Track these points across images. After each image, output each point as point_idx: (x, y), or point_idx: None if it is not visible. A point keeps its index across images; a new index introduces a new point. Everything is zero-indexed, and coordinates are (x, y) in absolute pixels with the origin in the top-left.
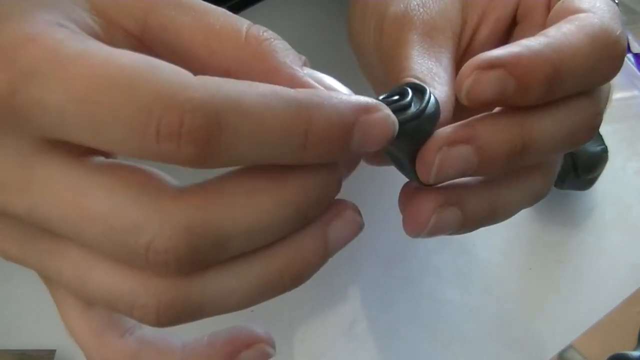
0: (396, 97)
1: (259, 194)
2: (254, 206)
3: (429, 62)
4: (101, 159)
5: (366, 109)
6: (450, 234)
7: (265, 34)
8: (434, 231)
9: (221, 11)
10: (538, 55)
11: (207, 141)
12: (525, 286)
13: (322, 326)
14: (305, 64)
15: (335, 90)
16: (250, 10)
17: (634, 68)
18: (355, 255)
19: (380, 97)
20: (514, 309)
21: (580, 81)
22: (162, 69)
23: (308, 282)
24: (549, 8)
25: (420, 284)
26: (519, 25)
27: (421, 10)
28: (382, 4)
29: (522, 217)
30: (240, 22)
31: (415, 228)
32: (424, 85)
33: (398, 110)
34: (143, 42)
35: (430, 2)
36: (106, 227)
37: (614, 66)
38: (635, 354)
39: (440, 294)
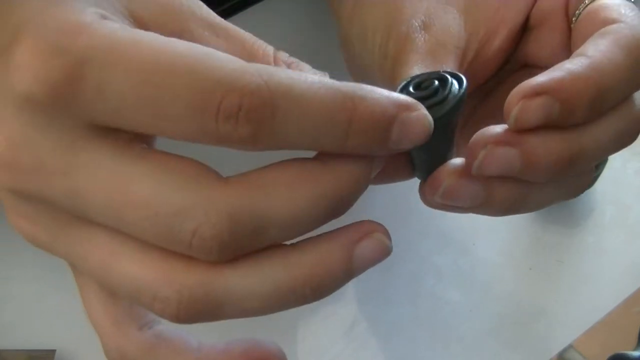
0: (423, 90)
1: (298, 186)
2: (293, 197)
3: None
4: (146, 147)
5: (407, 107)
6: (471, 209)
7: (289, 58)
8: (450, 196)
9: (251, 36)
10: (581, 79)
11: (262, 122)
12: (525, 286)
13: (322, 326)
14: None
15: None
16: (250, 10)
17: None
18: None
19: (403, 84)
20: (514, 309)
21: (621, 94)
22: (219, 56)
23: None
24: (566, 12)
25: (420, 284)
26: (534, 30)
27: (422, 29)
28: (383, 25)
29: (522, 217)
30: (268, 46)
31: (432, 190)
32: (446, 74)
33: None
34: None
35: (432, 19)
36: (151, 213)
37: None
38: (635, 354)
39: (440, 294)
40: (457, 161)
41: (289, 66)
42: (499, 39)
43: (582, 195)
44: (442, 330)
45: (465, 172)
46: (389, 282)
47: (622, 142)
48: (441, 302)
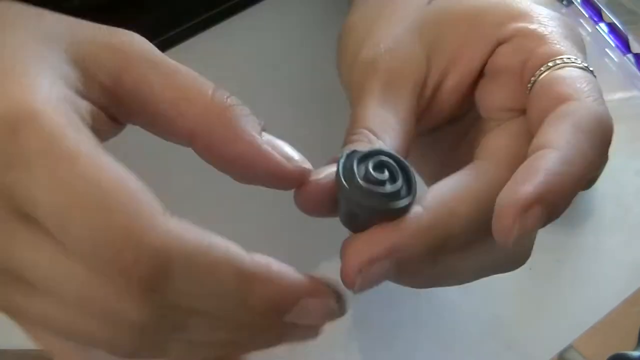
0: (377, 171)
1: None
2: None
3: (385, 113)
4: None
5: (311, 291)
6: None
7: (229, 100)
8: (369, 281)
9: (191, 73)
10: (564, 178)
11: (150, 283)
12: (525, 286)
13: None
14: (264, 129)
15: (289, 157)
16: (250, 10)
17: (634, 68)
18: None
19: (345, 156)
20: (514, 309)
21: (589, 175)
22: (139, 200)
23: None
24: (521, 74)
25: None
26: (486, 79)
27: (387, 58)
28: (355, 46)
29: None
30: (207, 86)
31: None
32: (392, 159)
33: (378, 183)
34: (116, 96)
35: (398, 49)
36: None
37: (607, 149)
38: (635, 354)
39: (440, 294)
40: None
41: (226, 108)
42: (454, 79)
43: (582, 195)
44: (442, 331)
45: (375, 257)
46: (389, 283)
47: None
48: (441, 302)
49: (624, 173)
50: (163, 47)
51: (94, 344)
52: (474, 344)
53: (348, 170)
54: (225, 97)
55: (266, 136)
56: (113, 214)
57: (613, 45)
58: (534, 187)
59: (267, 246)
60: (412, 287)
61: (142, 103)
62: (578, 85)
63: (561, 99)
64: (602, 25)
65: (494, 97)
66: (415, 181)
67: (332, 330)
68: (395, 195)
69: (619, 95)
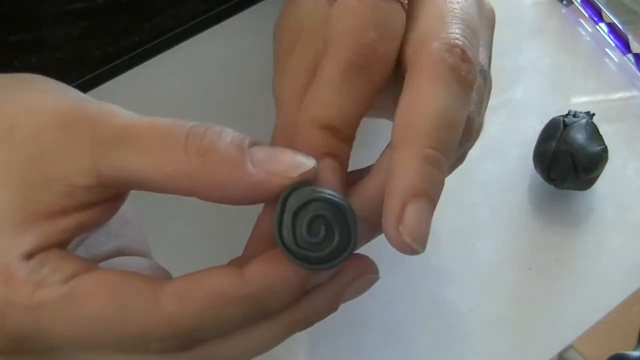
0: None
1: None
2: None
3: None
4: None
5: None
6: None
7: (202, 141)
8: None
9: (159, 131)
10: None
11: (180, 347)
12: (525, 286)
13: (322, 326)
14: (253, 144)
15: (286, 162)
16: (250, 10)
17: (634, 68)
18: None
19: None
20: (514, 309)
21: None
22: (130, 310)
23: None
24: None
25: (420, 284)
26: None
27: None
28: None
29: (522, 217)
30: (178, 135)
31: None
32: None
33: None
34: (104, 187)
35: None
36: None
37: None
38: (635, 354)
39: (440, 294)
40: None
41: (203, 155)
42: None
43: (582, 195)
44: (442, 330)
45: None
46: (389, 282)
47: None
48: (441, 302)
49: (624, 173)
50: (163, 47)
51: None
52: (474, 344)
53: (285, 227)
54: (198, 139)
55: (256, 150)
56: (118, 334)
57: (613, 45)
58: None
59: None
60: None
61: (130, 181)
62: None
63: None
64: (602, 25)
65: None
66: (354, 232)
67: (331, 329)
68: (329, 258)
69: (619, 95)
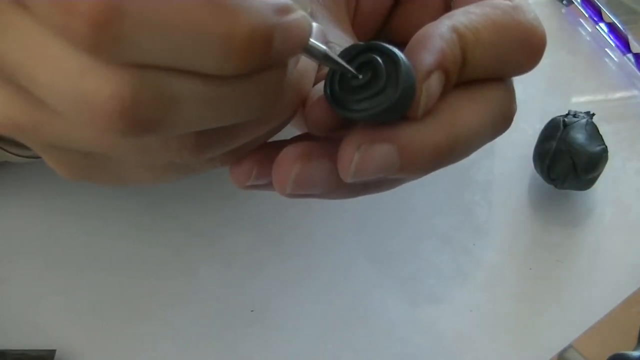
0: (362, 73)
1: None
2: None
3: (339, 32)
4: None
5: (284, 10)
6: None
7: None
8: (302, 186)
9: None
10: (448, 42)
11: (102, 23)
12: (525, 286)
13: (322, 326)
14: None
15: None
16: None
17: (634, 68)
18: (355, 255)
19: (345, 59)
20: (514, 309)
21: (488, 69)
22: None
23: (308, 283)
24: None
25: (420, 284)
26: (404, 5)
27: None
28: None
29: (522, 217)
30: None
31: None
32: (393, 51)
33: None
34: None
35: None
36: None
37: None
38: (635, 354)
39: (440, 293)
40: (298, 147)
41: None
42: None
43: (582, 195)
44: (442, 330)
45: (314, 155)
46: (388, 282)
47: (496, 127)
48: (441, 301)
49: (624, 173)
50: None
51: (92, 145)
52: (474, 344)
53: (335, 82)
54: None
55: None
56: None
57: (613, 45)
58: (435, 55)
59: (268, 248)
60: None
61: None
62: None
63: None
64: (602, 25)
65: (413, 20)
66: (402, 70)
67: (331, 330)
68: (377, 99)
69: (619, 95)
